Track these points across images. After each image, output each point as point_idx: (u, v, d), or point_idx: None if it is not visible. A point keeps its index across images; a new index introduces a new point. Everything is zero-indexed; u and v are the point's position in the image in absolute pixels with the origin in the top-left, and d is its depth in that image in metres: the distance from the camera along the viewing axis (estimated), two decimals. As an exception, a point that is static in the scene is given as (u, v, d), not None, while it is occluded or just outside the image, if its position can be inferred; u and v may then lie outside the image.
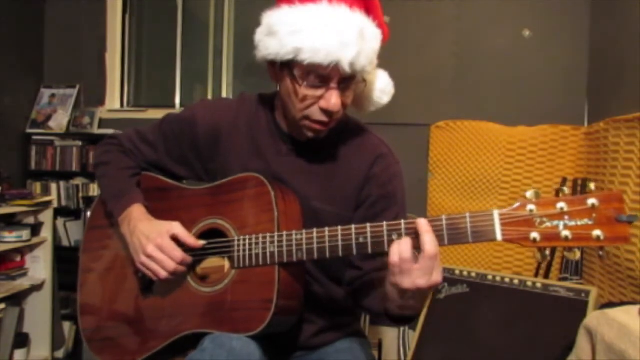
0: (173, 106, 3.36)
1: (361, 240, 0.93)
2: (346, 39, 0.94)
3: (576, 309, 1.75)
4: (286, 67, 1.01)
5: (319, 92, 1.00)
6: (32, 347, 2.75)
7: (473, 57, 2.80)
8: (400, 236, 0.89)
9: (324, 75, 0.98)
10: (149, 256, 1.07)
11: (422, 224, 0.86)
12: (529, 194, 0.83)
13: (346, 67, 0.95)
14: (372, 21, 1.00)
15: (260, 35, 1.03)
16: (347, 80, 1.00)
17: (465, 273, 2.02)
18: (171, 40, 3.39)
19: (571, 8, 2.66)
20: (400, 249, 0.86)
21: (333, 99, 1.00)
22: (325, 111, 1.02)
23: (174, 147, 1.21)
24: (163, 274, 1.06)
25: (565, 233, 0.80)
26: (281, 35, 0.97)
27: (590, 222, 0.79)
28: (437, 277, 0.85)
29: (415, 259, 0.85)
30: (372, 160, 1.14)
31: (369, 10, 1.01)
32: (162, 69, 3.51)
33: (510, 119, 2.67)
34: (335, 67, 0.95)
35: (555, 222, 0.81)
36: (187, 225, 1.12)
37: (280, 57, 0.98)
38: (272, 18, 1.00)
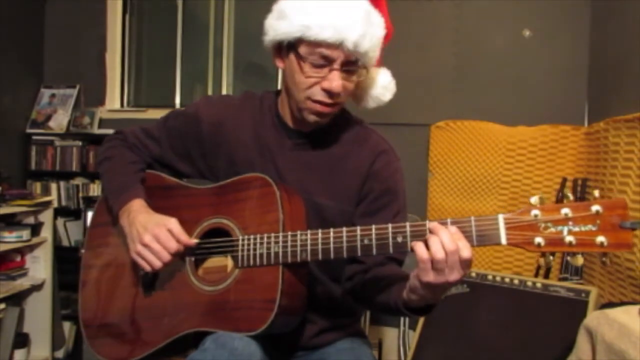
0: (173, 106, 3.35)
1: (366, 242, 0.94)
2: (352, 17, 1.00)
3: (576, 309, 1.75)
4: (292, 48, 1.04)
5: (322, 73, 1.04)
6: (32, 347, 2.75)
7: (473, 57, 2.80)
8: (405, 238, 0.90)
9: (328, 55, 1.01)
10: (145, 245, 1.07)
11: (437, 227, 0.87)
12: (534, 199, 0.84)
13: (350, 46, 1.00)
14: (378, 12, 1.07)
15: (270, 20, 1.08)
16: (350, 64, 1.04)
17: (465, 273, 2.01)
18: (171, 40, 3.38)
19: (571, 8, 2.66)
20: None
21: (335, 80, 1.03)
22: (327, 92, 1.04)
23: (178, 142, 1.22)
24: (157, 264, 1.06)
25: (569, 238, 0.81)
26: (291, 16, 1.02)
27: (594, 228, 0.80)
28: (459, 273, 0.89)
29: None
30: (374, 157, 1.16)
31: (376, 4, 1.07)
32: (162, 69, 3.51)
33: (510, 119, 2.67)
34: (340, 47, 1.00)
35: (560, 228, 0.82)
36: (191, 224, 1.12)
37: (288, 35, 1.03)
38: (282, 4, 1.05)
